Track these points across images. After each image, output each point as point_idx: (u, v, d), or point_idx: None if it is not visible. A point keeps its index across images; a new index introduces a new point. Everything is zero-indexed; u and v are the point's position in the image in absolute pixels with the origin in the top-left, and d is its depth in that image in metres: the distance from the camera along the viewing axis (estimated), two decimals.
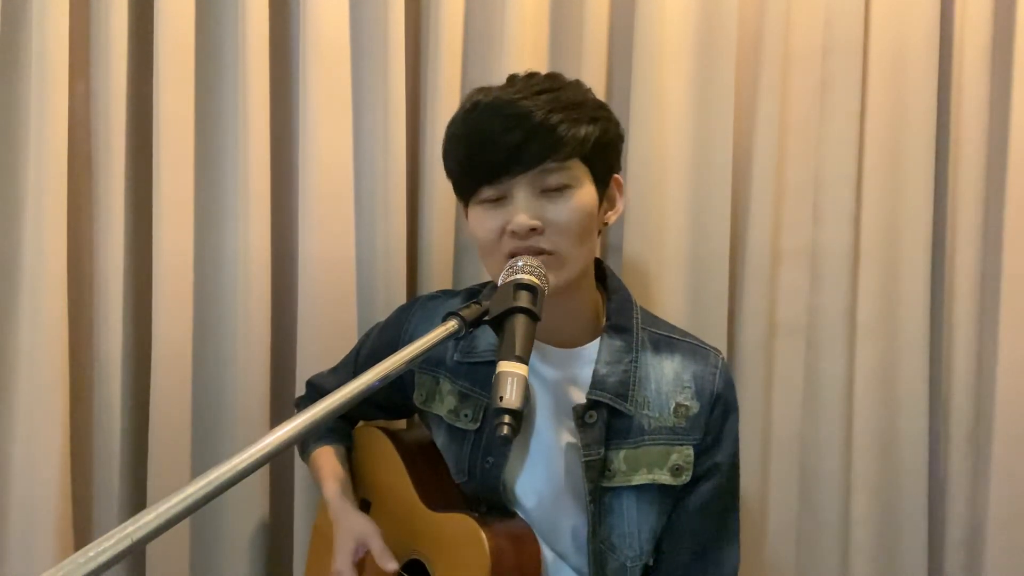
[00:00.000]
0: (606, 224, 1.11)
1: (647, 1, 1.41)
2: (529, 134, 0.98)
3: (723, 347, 1.45)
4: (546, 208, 1.00)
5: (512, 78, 1.08)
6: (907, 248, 1.49)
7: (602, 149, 1.04)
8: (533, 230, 0.99)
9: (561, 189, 1.01)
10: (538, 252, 0.99)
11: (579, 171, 1.02)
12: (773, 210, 1.47)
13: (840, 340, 1.50)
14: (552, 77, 1.07)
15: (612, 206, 1.11)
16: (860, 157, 1.49)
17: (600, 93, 1.45)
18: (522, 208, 1.00)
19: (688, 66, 1.44)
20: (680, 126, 1.44)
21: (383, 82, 1.38)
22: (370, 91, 1.39)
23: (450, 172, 1.09)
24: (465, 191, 1.06)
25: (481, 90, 1.07)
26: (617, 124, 1.09)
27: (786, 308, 1.49)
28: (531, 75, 1.07)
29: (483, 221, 1.03)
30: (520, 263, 0.92)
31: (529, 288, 0.88)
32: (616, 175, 1.11)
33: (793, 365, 1.49)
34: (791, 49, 1.46)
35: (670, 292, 1.44)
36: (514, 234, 1.00)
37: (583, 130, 1.01)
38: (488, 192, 1.02)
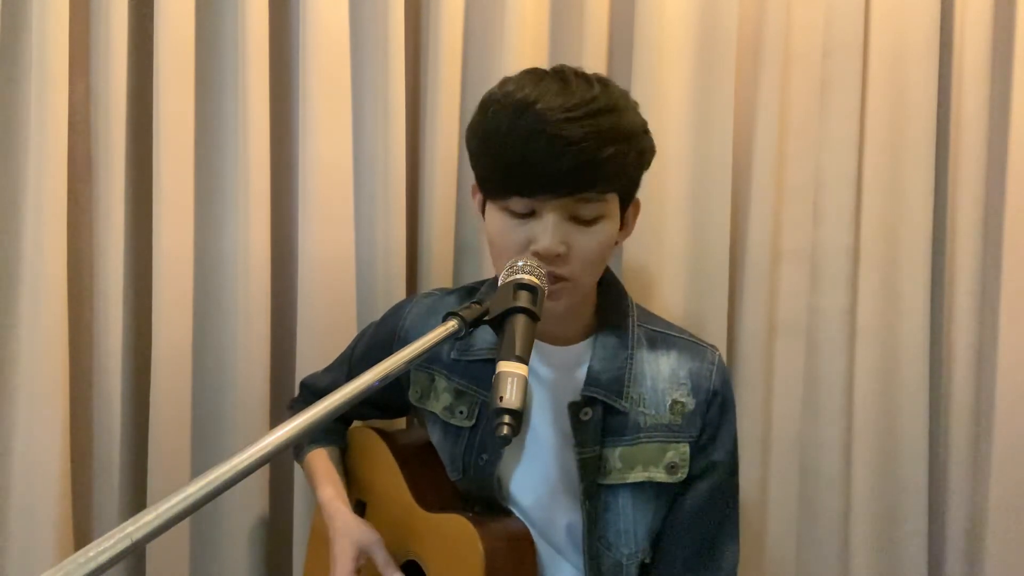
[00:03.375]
0: (617, 244, 1.08)
1: (647, 1, 1.41)
2: (577, 164, 0.94)
3: (723, 347, 1.45)
4: (574, 236, 0.98)
5: (565, 79, 0.98)
6: (907, 248, 1.49)
7: (637, 179, 1.03)
8: (558, 255, 0.98)
9: (592, 221, 0.99)
10: (555, 279, 0.98)
11: (613, 203, 1.01)
12: (773, 210, 1.47)
13: (840, 340, 1.50)
14: (608, 91, 0.98)
15: (624, 227, 1.08)
16: (860, 157, 1.49)
17: None
18: (551, 232, 0.97)
19: (688, 66, 1.44)
20: (680, 126, 1.44)
21: (383, 82, 1.38)
22: (370, 91, 1.39)
23: (481, 169, 1.03)
24: (493, 195, 1.02)
25: (535, 83, 0.97)
26: (653, 149, 1.05)
27: (786, 308, 1.49)
28: (587, 82, 0.98)
29: (506, 231, 1.00)
30: (520, 263, 0.92)
31: (529, 288, 0.88)
32: (637, 197, 1.08)
33: (793, 365, 1.50)
34: (791, 49, 1.46)
35: (670, 292, 1.44)
36: (537, 254, 0.97)
37: (629, 163, 0.99)
38: (518, 205, 0.99)
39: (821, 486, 1.51)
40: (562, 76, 0.99)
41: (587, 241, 0.99)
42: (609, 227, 1.01)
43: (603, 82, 1.00)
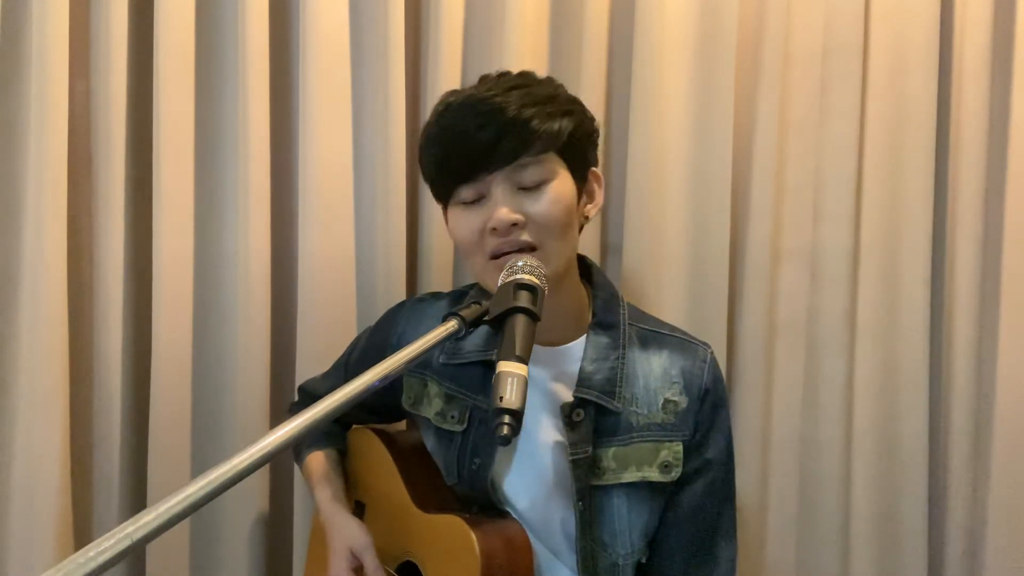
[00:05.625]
0: (586, 218, 1.10)
1: (647, 1, 1.41)
2: (503, 130, 0.98)
3: (723, 347, 1.45)
4: (525, 203, 1.00)
5: (484, 78, 1.08)
6: (907, 248, 1.49)
7: (577, 142, 1.04)
8: (515, 225, 0.99)
9: (539, 184, 1.01)
10: (521, 247, 0.99)
11: (555, 164, 1.03)
12: (773, 210, 1.47)
13: (840, 340, 1.50)
14: (523, 75, 1.07)
15: (592, 200, 1.11)
16: (860, 157, 1.49)
17: (600, 93, 1.45)
18: (500, 204, 1.00)
19: (688, 66, 1.44)
20: (680, 126, 1.44)
21: (383, 82, 1.38)
22: (370, 91, 1.39)
23: (427, 174, 1.09)
24: (442, 192, 1.07)
25: (452, 92, 1.08)
26: (592, 119, 1.09)
27: (786, 308, 1.49)
28: (502, 74, 1.08)
29: (463, 222, 1.03)
30: (520, 263, 0.92)
31: (529, 288, 0.88)
32: (594, 168, 1.10)
33: (793, 365, 1.49)
34: (791, 49, 1.46)
35: (670, 292, 1.44)
36: (495, 231, 0.99)
37: (556, 124, 1.01)
38: (465, 192, 1.02)
39: (821, 486, 1.51)
40: (482, 78, 1.08)
41: (538, 205, 1.01)
42: (559, 188, 1.02)
43: (523, 72, 1.08)
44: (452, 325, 0.83)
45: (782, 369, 1.50)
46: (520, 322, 0.84)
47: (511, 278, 0.90)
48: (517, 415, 0.76)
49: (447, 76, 1.41)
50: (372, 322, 1.30)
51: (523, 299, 0.86)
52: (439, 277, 1.44)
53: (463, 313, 0.84)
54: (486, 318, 0.85)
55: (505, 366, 0.78)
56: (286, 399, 1.41)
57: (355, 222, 1.40)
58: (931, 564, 1.52)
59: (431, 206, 1.43)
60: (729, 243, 1.45)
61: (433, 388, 1.14)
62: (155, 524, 0.60)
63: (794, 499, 1.50)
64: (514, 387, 0.77)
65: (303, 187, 1.37)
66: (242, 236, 1.35)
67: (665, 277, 1.44)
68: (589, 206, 1.10)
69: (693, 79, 1.44)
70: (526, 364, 0.79)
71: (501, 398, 0.76)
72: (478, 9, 1.43)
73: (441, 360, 1.13)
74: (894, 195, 1.49)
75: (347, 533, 1.09)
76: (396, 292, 1.40)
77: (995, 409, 1.48)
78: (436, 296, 1.23)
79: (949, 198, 1.51)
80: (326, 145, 1.36)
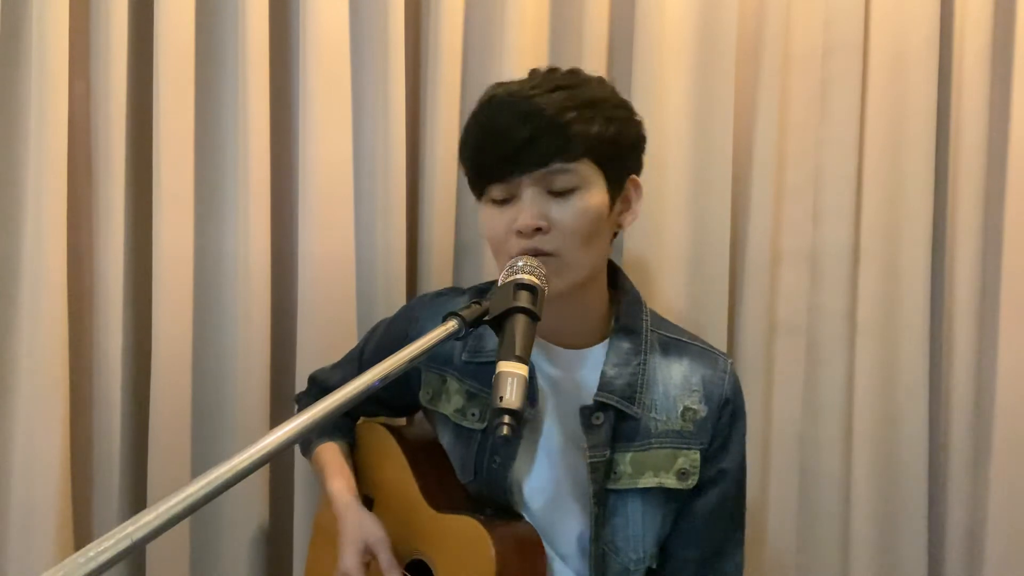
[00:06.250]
0: (620, 227, 1.09)
1: (647, 1, 1.41)
2: (539, 131, 0.97)
3: (723, 347, 1.45)
4: (552, 208, 0.99)
5: (533, 72, 1.05)
6: (907, 248, 1.49)
7: (616, 150, 1.02)
8: (538, 230, 0.98)
9: (569, 191, 1.00)
10: (540, 254, 0.98)
11: (589, 171, 1.01)
12: (773, 210, 1.47)
13: (840, 340, 1.50)
14: (573, 73, 1.05)
15: (628, 208, 1.08)
16: (860, 157, 1.49)
17: None
18: (527, 207, 0.99)
19: (688, 66, 1.44)
20: (680, 126, 1.44)
21: (383, 82, 1.38)
22: (370, 91, 1.39)
23: (464, 166, 1.08)
24: (476, 186, 1.06)
25: (500, 84, 1.05)
26: (638, 124, 1.07)
27: (786, 308, 1.49)
28: (552, 70, 1.05)
29: (491, 220, 1.03)
30: (520, 263, 0.92)
31: (529, 288, 0.88)
32: (634, 176, 1.08)
33: (793, 365, 1.50)
34: (791, 49, 1.47)
35: (670, 292, 1.44)
36: (519, 233, 0.99)
37: (595, 129, 0.99)
38: (496, 191, 1.01)
39: (821, 486, 1.51)
40: (532, 72, 1.05)
41: (565, 212, 0.99)
42: (589, 198, 1.00)
43: (573, 70, 1.05)
44: (452, 325, 0.83)
45: (782, 369, 1.50)
46: (520, 322, 0.83)
47: (511, 278, 0.90)
48: (517, 415, 0.75)
49: (447, 76, 1.41)
50: (372, 322, 1.30)
51: (523, 299, 0.86)
52: (439, 277, 1.44)
53: (463, 313, 0.84)
54: (486, 318, 0.85)
55: (505, 366, 0.78)
56: (286, 398, 1.41)
57: (355, 222, 1.40)
58: (931, 564, 1.52)
59: (431, 206, 1.43)
60: (729, 243, 1.45)
61: (453, 385, 1.13)
62: (155, 524, 0.59)
63: (794, 499, 1.50)
64: (514, 387, 0.76)
65: (303, 187, 1.37)
66: (242, 236, 1.35)
67: (665, 277, 1.44)
68: (625, 214, 1.08)
69: (693, 79, 1.44)
70: (526, 364, 0.79)
71: (501, 398, 0.76)
72: (478, 9, 1.43)
73: (464, 358, 1.13)
74: (894, 195, 1.49)
75: (362, 526, 1.08)
76: (396, 292, 1.40)
77: (995, 408, 1.49)
78: (456, 291, 1.22)
79: (949, 198, 1.51)
80: (326, 145, 1.36)
